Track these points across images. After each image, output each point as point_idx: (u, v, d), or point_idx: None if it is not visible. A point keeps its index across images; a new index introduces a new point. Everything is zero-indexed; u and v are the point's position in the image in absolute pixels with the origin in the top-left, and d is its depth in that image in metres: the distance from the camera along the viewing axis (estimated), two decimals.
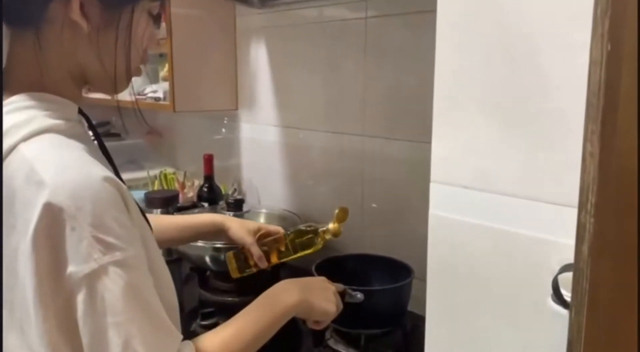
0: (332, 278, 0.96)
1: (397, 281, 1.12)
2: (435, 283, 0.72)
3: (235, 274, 1.05)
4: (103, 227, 0.56)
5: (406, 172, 1.27)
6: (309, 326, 0.89)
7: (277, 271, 1.39)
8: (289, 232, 1.07)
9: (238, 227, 1.03)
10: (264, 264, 1.03)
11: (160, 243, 0.85)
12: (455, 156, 0.68)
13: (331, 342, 1.11)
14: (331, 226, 1.04)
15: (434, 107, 0.68)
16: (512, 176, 0.62)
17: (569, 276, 0.45)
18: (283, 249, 1.05)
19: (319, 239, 1.04)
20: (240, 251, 1.06)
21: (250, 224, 1.06)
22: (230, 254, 1.06)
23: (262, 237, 1.06)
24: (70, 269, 0.55)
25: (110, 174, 0.60)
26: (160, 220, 1.03)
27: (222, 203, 1.57)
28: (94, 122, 0.76)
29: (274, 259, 1.05)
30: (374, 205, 1.38)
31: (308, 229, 1.05)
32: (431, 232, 0.71)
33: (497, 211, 0.64)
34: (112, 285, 0.56)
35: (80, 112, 0.71)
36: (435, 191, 0.70)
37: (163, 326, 0.62)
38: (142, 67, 0.74)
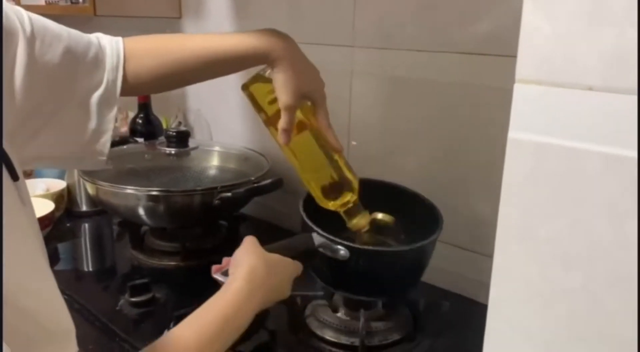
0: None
1: (413, 231, 0.79)
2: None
3: (256, 108, 0.75)
4: None
5: (410, 97, 0.95)
6: None
7: (236, 224, 1.08)
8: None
9: (285, 80, 0.69)
10: (282, 140, 0.71)
11: (175, 76, 0.67)
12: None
13: (311, 322, 0.80)
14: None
15: None
16: None
17: None
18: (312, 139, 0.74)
19: (359, 215, 0.77)
20: (267, 82, 0.71)
21: (306, 82, 0.71)
22: (255, 85, 0.74)
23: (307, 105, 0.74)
24: None
25: None
26: (183, 41, 0.70)
27: (161, 139, 1.21)
28: None
29: (296, 140, 0.73)
30: (354, 142, 1.06)
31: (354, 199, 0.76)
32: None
33: None
34: None
35: None
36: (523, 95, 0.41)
37: None
38: None
